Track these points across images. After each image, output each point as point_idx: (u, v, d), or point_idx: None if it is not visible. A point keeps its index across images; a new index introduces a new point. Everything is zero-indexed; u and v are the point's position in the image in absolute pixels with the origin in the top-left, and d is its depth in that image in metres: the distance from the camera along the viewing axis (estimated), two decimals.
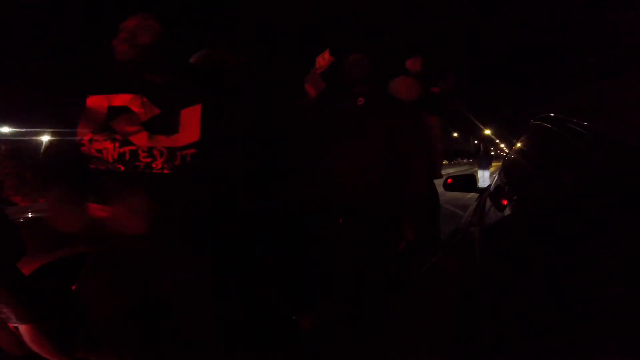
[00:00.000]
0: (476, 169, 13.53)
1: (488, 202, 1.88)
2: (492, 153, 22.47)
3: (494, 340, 0.89)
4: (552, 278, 0.82)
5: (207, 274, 1.35)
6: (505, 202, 1.47)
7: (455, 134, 60.68)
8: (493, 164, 14.61)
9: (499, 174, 2.28)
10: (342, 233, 2.24)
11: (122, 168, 1.26)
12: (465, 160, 50.56)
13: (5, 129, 14.14)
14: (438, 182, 3.10)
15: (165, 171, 1.25)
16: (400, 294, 2.26)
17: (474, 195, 2.96)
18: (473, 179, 2.80)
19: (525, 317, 0.82)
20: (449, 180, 2.71)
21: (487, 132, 40.48)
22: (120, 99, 1.29)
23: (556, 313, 0.76)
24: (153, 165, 1.25)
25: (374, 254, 2.20)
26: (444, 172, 3.32)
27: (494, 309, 0.95)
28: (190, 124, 1.27)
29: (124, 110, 1.28)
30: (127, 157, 1.25)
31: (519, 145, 2.18)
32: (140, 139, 1.26)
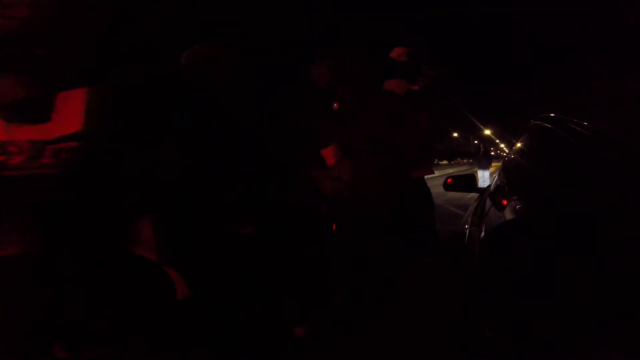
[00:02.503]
0: (476, 169, 13.53)
1: (488, 202, 1.88)
2: (492, 153, 22.44)
3: (494, 340, 0.89)
4: (552, 278, 0.82)
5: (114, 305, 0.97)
6: (505, 202, 1.47)
7: (455, 134, 60.73)
8: (493, 164, 14.61)
9: (499, 174, 2.28)
10: (336, 236, 2.23)
11: None
12: (465, 160, 50.51)
13: None
14: (434, 184, 3.09)
15: (25, 172, 0.91)
16: (399, 294, 2.26)
17: (474, 195, 2.96)
18: (473, 179, 2.79)
19: (525, 317, 0.82)
20: (449, 180, 2.70)
21: (487, 132, 40.49)
22: None
23: (556, 313, 0.76)
24: (8, 165, 0.91)
25: (371, 254, 2.20)
26: (444, 172, 3.31)
27: (493, 309, 0.95)
28: (69, 110, 0.95)
29: None
30: None
31: (519, 145, 2.18)
32: None
